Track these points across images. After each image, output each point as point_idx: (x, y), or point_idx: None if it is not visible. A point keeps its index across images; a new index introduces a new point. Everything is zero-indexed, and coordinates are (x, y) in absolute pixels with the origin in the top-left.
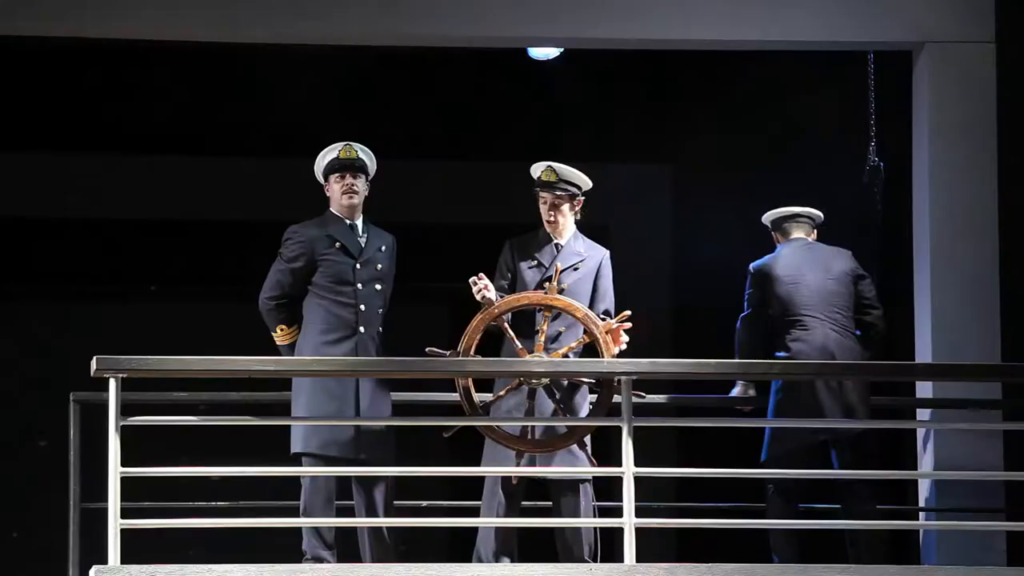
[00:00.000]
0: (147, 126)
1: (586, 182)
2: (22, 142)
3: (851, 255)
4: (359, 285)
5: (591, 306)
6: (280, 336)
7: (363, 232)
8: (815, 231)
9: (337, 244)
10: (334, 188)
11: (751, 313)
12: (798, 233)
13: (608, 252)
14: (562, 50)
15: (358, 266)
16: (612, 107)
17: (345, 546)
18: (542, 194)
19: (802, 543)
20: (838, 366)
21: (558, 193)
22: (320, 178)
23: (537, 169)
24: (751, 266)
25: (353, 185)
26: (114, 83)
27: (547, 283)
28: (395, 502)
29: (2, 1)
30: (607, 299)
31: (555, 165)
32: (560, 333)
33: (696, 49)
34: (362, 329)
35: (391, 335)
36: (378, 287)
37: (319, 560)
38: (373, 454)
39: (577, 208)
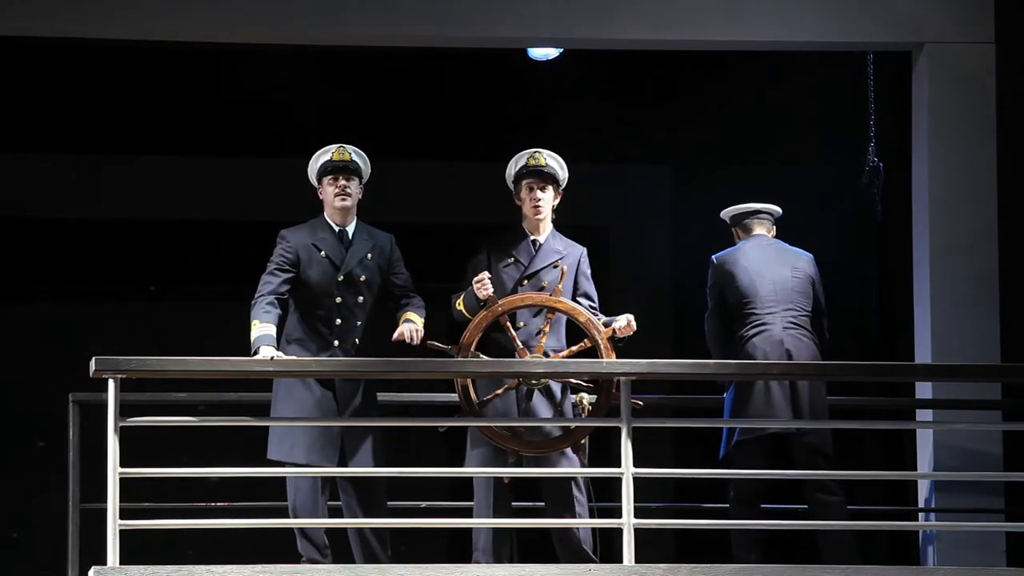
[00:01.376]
0: (147, 126)
1: (565, 172)
2: (22, 142)
3: (813, 259)
4: (338, 298)
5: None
6: (253, 329)
7: (352, 239)
8: (774, 228)
9: (322, 253)
10: (327, 191)
11: (715, 309)
12: (759, 229)
13: (585, 249)
14: (562, 50)
15: (340, 278)
16: (612, 107)
17: (342, 547)
18: (527, 181)
19: (767, 549)
20: (835, 367)
21: (545, 173)
22: (313, 181)
23: (521, 158)
24: (714, 257)
25: (347, 187)
26: (114, 83)
27: (525, 280)
28: (395, 503)
29: (2, 1)
30: (591, 296)
31: (540, 150)
32: (540, 331)
33: (696, 49)
34: (336, 343)
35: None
36: (360, 299)
37: (316, 563)
38: (356, 466)
39: (556, 201)
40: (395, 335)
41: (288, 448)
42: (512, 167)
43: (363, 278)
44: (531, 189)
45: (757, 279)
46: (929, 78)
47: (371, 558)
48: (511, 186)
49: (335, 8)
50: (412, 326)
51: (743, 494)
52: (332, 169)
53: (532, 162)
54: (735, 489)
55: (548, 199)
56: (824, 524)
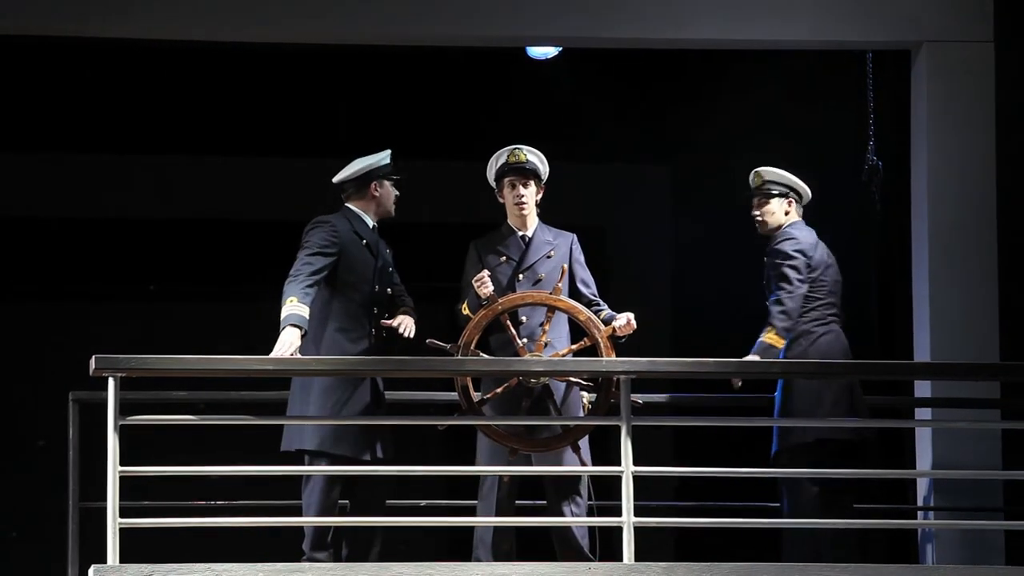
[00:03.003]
0: (147, 126)
1: (546, 166)
2: (22, 142)
3: None
4: (376, 286)
5: (574, 293)
6: (287, 306)
7: (377, 233)
8: None
9: (364, 241)
10: (387, 190)
11: (804, 288)
12: (797, 215)
13: (575, 235)
14: (562, 50)
15: (378, 266)
16: (612, 107)
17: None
18: (508, 178)
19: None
20: (838, 366)
21: (526, 169)
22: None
23: (501, 155)
24: (793, 230)
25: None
26: (114, 83)
27: (520, 275)
28: (395, 501)
29: (2, 1)
30: (589, 283)
31: (520, 146)
32: (541, 328)
33: (696, 49)
34: (373, 330)
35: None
36: (388, 290)
37: (317, 560)
38: (385, 452)
39: (539, 196)
40: (394, 320)
41: (332, 440)
42: (492, 165)
43: (389, 268)
44: (513, 186)
45: (830, 269)
46: (928, 77)
47: (366, 544)
48: (492, 184)
49: (334, 8)
50: (411, 318)
51: (838, 494)
52: (511, 171)
53: (512, 159)
54: (826, 489)
55: (531, 195)
56: (824, 523)
